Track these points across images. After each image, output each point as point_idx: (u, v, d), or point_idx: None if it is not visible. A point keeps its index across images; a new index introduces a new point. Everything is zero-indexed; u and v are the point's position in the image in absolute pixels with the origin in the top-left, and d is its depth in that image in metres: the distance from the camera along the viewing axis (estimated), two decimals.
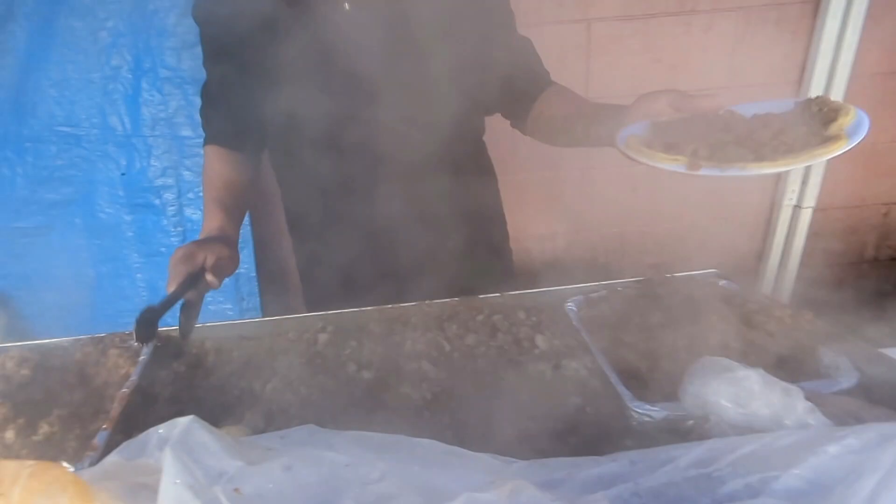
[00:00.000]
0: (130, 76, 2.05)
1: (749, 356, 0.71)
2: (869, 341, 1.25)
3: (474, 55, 1.04)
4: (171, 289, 0.85)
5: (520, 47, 1.11)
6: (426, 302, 0.95)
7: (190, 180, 2.16)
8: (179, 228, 2.22)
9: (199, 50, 2.08)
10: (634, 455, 0.54)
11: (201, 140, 2.14)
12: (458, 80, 1.04)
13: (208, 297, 2.42)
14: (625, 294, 0.92)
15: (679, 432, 0.65)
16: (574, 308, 0.92)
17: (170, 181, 2.16)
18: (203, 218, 1.16)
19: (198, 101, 2.12)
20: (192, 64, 2.00)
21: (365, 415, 0.75)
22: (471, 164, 1.20)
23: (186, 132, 2.09)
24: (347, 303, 1.01)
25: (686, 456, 0.52)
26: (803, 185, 2.37)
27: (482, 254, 1.20)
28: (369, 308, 0.95)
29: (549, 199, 2.46)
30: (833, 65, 2.07)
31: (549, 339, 0.88)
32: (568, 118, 0.99)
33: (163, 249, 2.24)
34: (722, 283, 0.93)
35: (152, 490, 0.40)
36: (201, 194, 2.21)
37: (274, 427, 0.69)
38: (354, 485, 0.41)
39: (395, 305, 0.95)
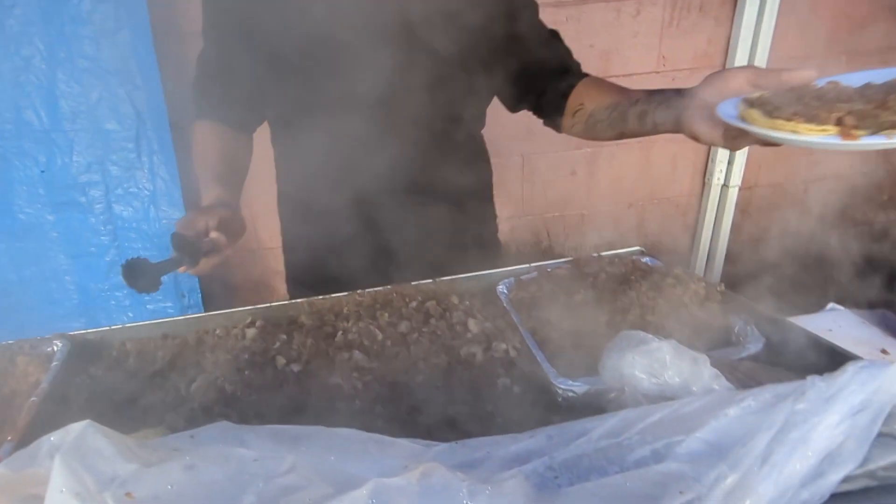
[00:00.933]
0: (44, 66, 1.92)
1: (666, 328, 0.74)
2: (781, 310, 1.33)
3: (493, 45, 1.01)
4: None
5: (545, 39, 1.07)
6: (358, 292, 0.94)
7: (117, 175, 2.06)
8: (109, 227, 2.12)
9: (120, 37, 1.97)
10: (551, 430, 0.56)
11: (129, 134, 2.04)
12: (470, 68, 1.01)
13: (147, 296, 2.30)
14: (554, 275, 0.94)
15: (600, 405, 0.67)
16: (505, 290, 0.93)
17: (95, 177, 2.05)
18: (200, 194, 1.09)
19: (121, 92, 2.01)
20: (112, 53, 1.89)
21: (293, 408, 0.74)
22: (470, 154, 1.19)
23: (111, 125, 1.99)
24: (335, 286, 0.99)
25: (599, 427, 0.54)
26: (730, 165, 2.48)
27: (471, 243, 1.19)
28: (299, 300, 0.93)
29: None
30: (752, 49, 2.16)
31: (480, 323, 0.89)
32: (616, 109, 0.93)
33: (92, 249, 2.13)
34: (644, 259, 0.96)
35: (42, 500, 0.38)
36: (130, 190, 2.11)
37: (195, 427, 0.67)
38: (260, 479, 0.40)
39: (327, 296, 0.94)
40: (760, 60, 2.19)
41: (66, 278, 2.19)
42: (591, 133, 1.01)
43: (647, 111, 0.86)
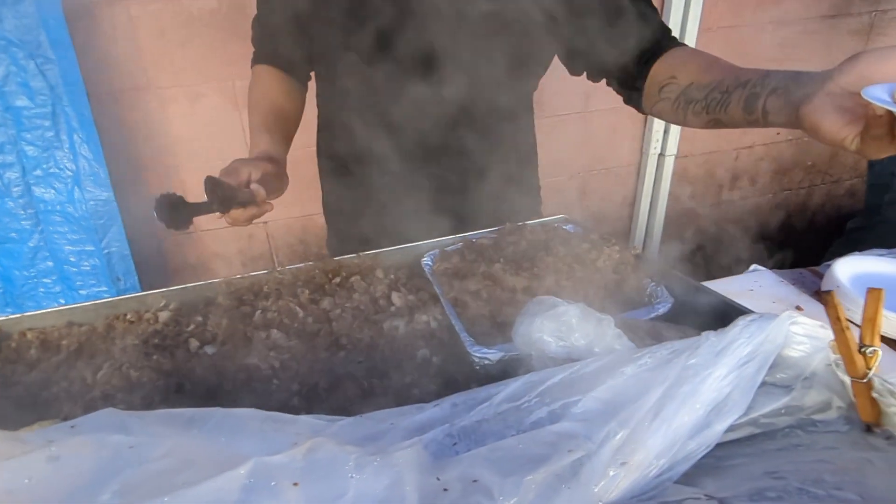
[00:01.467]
0: None
1: (580, 292, 0.75)
2: (710, 273, 1.37)
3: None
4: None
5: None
6: (278, 269, 0.92)
7: (35, 156, 1.93)
8: (31, 210, 2.00)
9: (24, 6, 1.82)
10: (457, 397, 0.56)
11: (44, 111, 1.90)
12: (534, 22, 0.92)
13: (79, 282, 2.18)
14: (478, 245, 0.94)
15: (516, 372, 0.67)
16: (430, 262, 0.92)
17: (10, 158, 1.92)
18: (249, 142, 1.10)
19: (31, 66, 1.88)
20: (16, 23, 1.75)
21: (206, 392, 0.71)
22: (523, 117, 1.16)
23: (22, 101, 1.86)
24: (379, 243, 0.98)
25: (502, 392, 0.54)
26: (665, 134, 2.54)
27: (515, 197, 1.16)
28: (216, 280, 0.90)
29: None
30: (684, 20, 2.20)
31: (404, 296, 0.88)
32: (717, 88, 0.77)
33: (13, 235, 2.01)
34: (567, 227, 0.97)
35: None
36: (50, 171, 1.98)
37: None
38: (131, 465, 0.39)
39: (245, 275, 0.91)
40: (691, 31, 2.23)
41: None
42: (681, 115, 0.86)
43: (756, 95, 0.71)
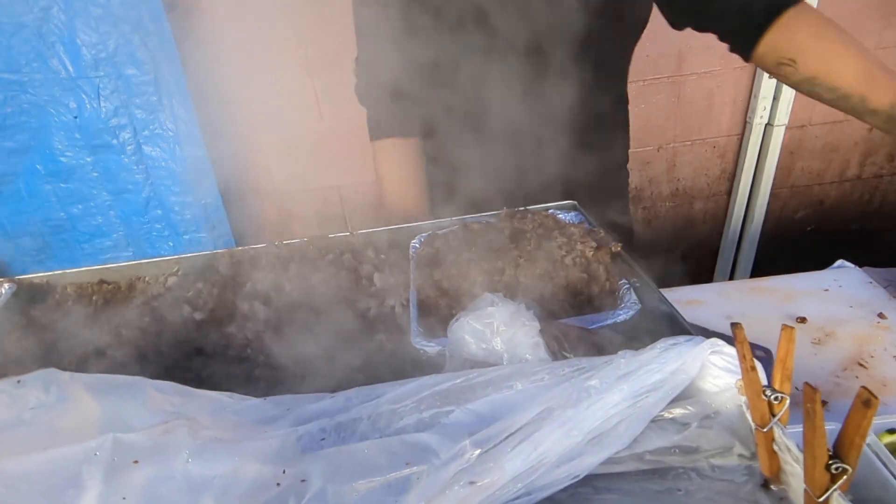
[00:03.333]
0: (63, 17, 2.02)
1: (532, 290, 0.71)
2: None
3: None
4: None
5: None
6: (276, 243, 0.97)
7: (142, 118, 2.18)
8: (141, 166, 2.27)
9: None
10: (353, 392, 0.57)
11: (148, 78, 2.13)
12: None
13: (182, 228, 2.47)
14: (469, 229, 0.91)
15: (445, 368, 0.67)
16: (417, 245, 0.92)
17: (123, 121, 2.19)
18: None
19: (136, 38, 2.10)
20: (120, 0, 1.96)
21: (181, 356, 0.79)
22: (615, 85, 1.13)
23: (131, 70, 2.09)
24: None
25: (392, 392, 0.54)
26: (775, 101, 2.24)
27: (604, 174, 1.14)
28: (220, 251, 0.97)
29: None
30: None
31: (385, 278, 0.89)
32: (846, 100, 0.79)
33: (129, 187, 2.31)
34: (569, 214, 0.91)
35: None
36: (156, 131, 2.23)
37: (83, 370, 0.74)
38: (13, 425, 0.45)
39: (247, 247, 0.97)
40: None
41: (110, 213, 2.39)
42: (801, 91, 0.87)
43: (888, 131, 0.74)
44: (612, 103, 1.15)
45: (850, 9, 2.01)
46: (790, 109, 2.23)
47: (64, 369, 0.74)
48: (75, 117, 2.19)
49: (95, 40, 2.05)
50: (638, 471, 0.48)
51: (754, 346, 1.01)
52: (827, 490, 0.35)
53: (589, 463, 0.46)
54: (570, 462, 0.46)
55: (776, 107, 2.24)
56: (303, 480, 0.43)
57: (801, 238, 2.53)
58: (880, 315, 1.10)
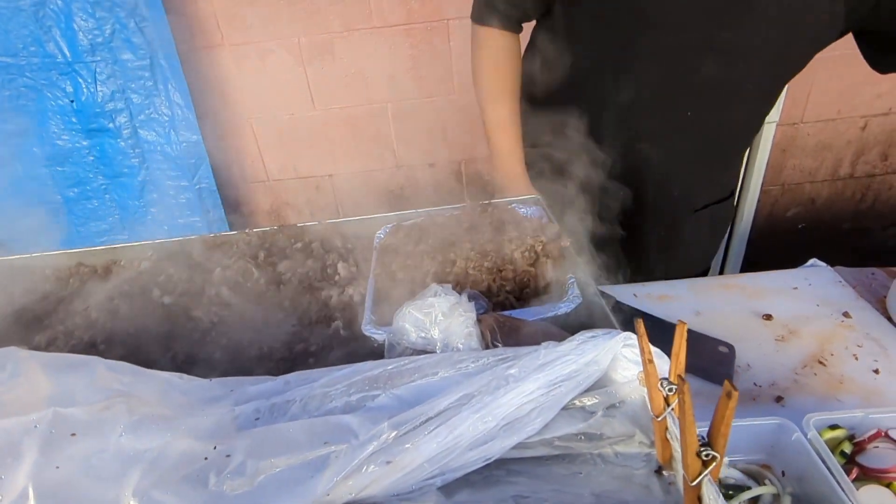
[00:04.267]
0: (60, 2, 2.05)
1: (481, 283, 0.74)
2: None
3: None
4: None
5: None
6: (246, 231, 1.00)
7: (139, 103, 2.21)
8: (138, 150, 2.30)
9: None
10: (293, 375, 0.59)
11: (143, 63, 2.15)
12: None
13: (177, 212, 2.50)
14: (433, 221, 0.94)
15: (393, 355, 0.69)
16: (381, 236, 0.95)
17: (120, 105, 2.21)
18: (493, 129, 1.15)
19: (131, 24, 2.12)
20: None
21: (149, 338, 0.82)
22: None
23: (126, 55, 2.11)
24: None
25: (327, 377, 0.57)
26: None
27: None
28: (193, 237, 1.00)
29: None
30: None
31: (349, 267, 0.92)
32: None
33: (125, 170, 2.34)
34: (530, 209, 0.93)
35: None
36: (151, 116, 2.27)
37: (54, 349, 0.77)
38: None
39: (218, 234, 1.00)
40: None
41: (105, 196, 2.42)
42: None
43: None
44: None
45: None
46: (782, 106, 2.23)
47: (35, 348, 0.78)
48: (72, 101, 2.22)
49: (92, 25, 2.07)
50: (549, 455, 0.50)
51: (717, 341, 1.04)
52: (700, 475, 0.37)
53: (500, 447, 0.48)
54: (482, 445, 0.49)
55: None
56: (227, 455, 0.46)
57: (793, 236, 2.53)
58: (845, 314, 1.12)
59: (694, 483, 0.37)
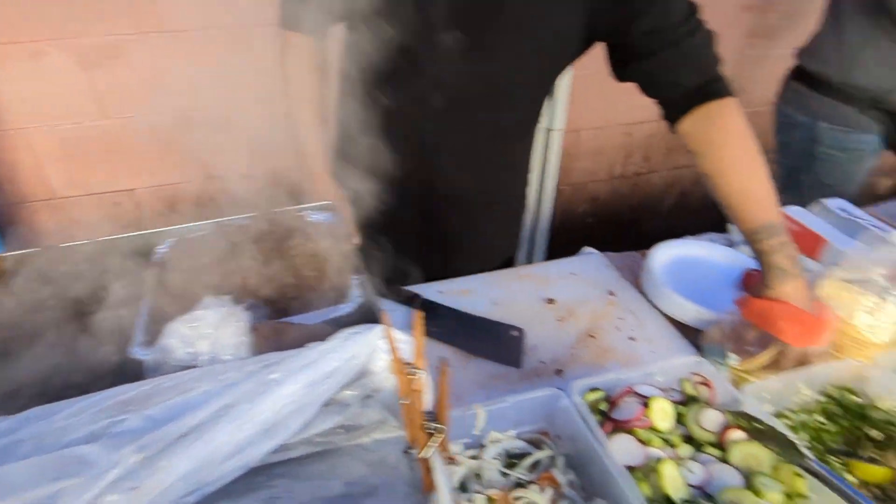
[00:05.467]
0: None
1: (268, 289, 0.74)
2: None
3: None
4: None
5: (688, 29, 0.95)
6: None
7: None
8: None
9: None
10: (36, 410, 0.53)
11: None
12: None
13: None
14: (222, 232, 0.90)
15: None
16: (163, 250, 0.89)
17: None
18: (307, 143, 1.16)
19: None
20: None
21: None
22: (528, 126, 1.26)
23: None
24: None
25: (71, 407, 0.52)
26: (553, 108, 2.52)
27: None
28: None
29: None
30: None
31: (124, 286, 0.84)
32: (731, 210, 0.93)
33: None
34: (320, 215, 0.94)
35: None
36: None
37: None
38: None
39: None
40: None
41: None
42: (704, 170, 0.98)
43: (764, 253, 0.88)
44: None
45: None
46: (566, 115, 2.53)
47: None
48: None
49: None
50: (310, 454, 0.52)
51: (510, 327, 1.15)
52: (425, 447, 0.41)
53: (258, 452, 0.49)
54: (239, 454, 0.48)
55: (553, 113, 2.52)
56: None
57: (584, 229, 2.88)
58: (610, 293, 1.30)
59: (421, 455, 0.41)
